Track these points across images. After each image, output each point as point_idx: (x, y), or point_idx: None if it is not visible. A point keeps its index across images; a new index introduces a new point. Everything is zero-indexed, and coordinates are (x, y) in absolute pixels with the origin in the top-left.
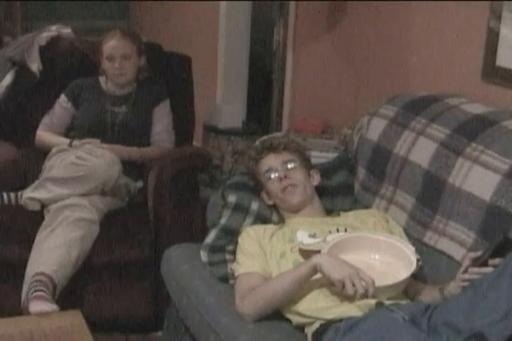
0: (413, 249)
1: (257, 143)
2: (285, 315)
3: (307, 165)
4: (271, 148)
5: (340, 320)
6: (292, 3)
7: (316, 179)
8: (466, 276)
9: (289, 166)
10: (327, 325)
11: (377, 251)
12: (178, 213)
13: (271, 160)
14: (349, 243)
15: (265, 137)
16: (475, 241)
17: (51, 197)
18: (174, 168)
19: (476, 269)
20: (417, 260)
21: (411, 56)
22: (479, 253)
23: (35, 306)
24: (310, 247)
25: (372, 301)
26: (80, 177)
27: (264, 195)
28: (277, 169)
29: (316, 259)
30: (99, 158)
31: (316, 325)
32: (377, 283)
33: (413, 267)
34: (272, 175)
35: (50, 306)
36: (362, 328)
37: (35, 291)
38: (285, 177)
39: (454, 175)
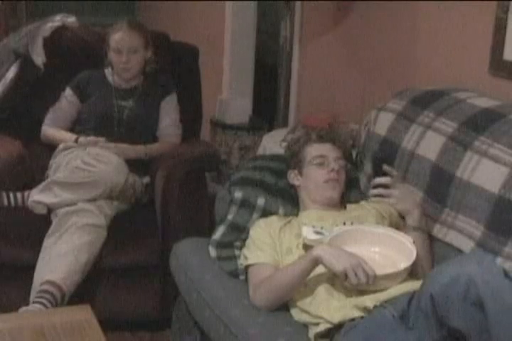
0: (411, 239)
1: (319, 128)
2: (290, 310)
3: None
4: (332, 140)
5: (343, 324)
6: None
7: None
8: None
9: (341, 163)
10: (332, 330)
11: (377, 244)
12: (187, 214)
13: (327, 149)
14: (348, 236)
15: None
16: (483, 233)
17: (58, 202)
18: (183, 171)
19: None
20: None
21: (418, 50)
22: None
23: None
24: (313, 243)
25: (371, 305)
26: (86, 184)
27: (295, 174)
28: (330, 160)
29: (316, 251)
30: (106, 165)
31: (322, 327)
32: (378, 273)
33: (413, 258)
34: (321, 162)
35: None
36: (358, 329)
37: (35, 302)
38: (337, 171)
39: (462, 169)
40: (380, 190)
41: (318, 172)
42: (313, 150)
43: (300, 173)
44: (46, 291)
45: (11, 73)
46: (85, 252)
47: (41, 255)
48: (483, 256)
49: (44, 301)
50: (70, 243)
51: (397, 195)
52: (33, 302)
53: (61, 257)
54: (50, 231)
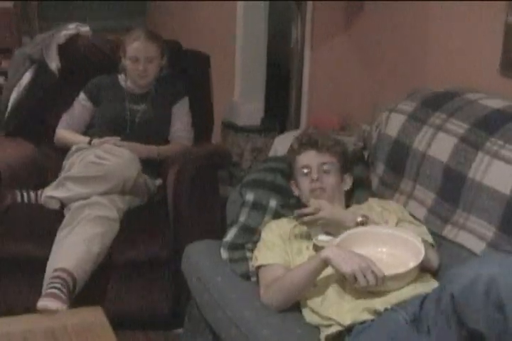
0: (419, 238)
1: (303, 135)
2: (302, 312)
3: (344, 168)
4: (314, 145)
5: (353, 326)
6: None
7: (347, 183)
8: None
9: (325, 168)
10: (343, 332)
11: (385, 244)
12: (198, 211)
13: (310, 157)
14: (356, 237)
15: (313, 131)
16: (495, 234)
17: (71, 196)
18: (194, 167)
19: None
20: (432, 245)
21: (429, 52)
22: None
23: (43, 301)
24: (323, 243)
25: (381, 308)
26: (99, 177)
27: (295, 185)
28: (313, 168)
29: (324, 253)
30: (118, 158)
31: (333, 329)
32: (387, 273)
33: (422, 256)
34: (306, 172)
35: (57, 304)
36: (369, 332)
37: (49, 288)
38: (317, 179)
39: (473, 170)
40: (308, 218)
41: (304, 182)
42: (299, 160)
43: (296, 184)
44: (58, 277)
45: (26, 78)
46: (98, 243)
47: (54, 247)
48: (505, 257)
49: (58, 285)
50: (82, 233)
51: (325, 216)
52: (46, 289)
53: (73, 246)
54: (62, 225)
